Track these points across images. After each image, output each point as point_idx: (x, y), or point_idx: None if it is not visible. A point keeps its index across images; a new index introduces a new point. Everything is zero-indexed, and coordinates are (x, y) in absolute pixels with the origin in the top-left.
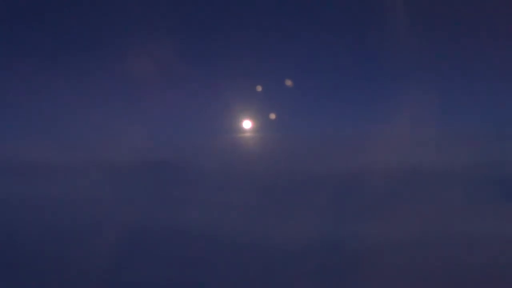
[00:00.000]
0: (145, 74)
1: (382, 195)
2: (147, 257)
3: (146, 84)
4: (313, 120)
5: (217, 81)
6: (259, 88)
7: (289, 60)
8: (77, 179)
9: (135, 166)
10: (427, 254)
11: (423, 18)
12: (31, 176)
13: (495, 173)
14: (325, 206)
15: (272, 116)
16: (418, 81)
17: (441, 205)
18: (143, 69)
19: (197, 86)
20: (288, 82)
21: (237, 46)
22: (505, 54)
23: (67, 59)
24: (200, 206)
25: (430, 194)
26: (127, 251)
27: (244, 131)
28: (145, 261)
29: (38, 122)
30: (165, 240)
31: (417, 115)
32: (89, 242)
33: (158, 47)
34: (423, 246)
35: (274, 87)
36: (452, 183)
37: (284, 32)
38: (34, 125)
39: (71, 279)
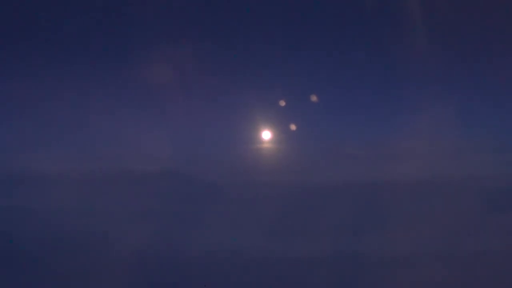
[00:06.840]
0: (163, 83)
1: (401, 206)
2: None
3: (165, 94)
4: (332, 131)
5: (237, 92)
6: (281, 102)
7: (309, 73)
8: (92, 189)
9: (152, 177)
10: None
11: (445, 35)
12: (40, 186)
13: None
14: (342, 217)
15: (293, 127)
16: (441, 94)
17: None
18: (161, 79)
19: (217, 97)
20: (309, 95)
21: (256, 58)
22: None
23: (85, 71)
24: (215, 217)
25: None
26: (138, 263)
27: (263, 142)
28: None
29: (52, 132)
30: (179, 253)
31: (438, 127)
32: (98, 252)
33: (178, 56)
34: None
35: (293, 98)
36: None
37: (303, 45)
38: (46, 136)
39: None
